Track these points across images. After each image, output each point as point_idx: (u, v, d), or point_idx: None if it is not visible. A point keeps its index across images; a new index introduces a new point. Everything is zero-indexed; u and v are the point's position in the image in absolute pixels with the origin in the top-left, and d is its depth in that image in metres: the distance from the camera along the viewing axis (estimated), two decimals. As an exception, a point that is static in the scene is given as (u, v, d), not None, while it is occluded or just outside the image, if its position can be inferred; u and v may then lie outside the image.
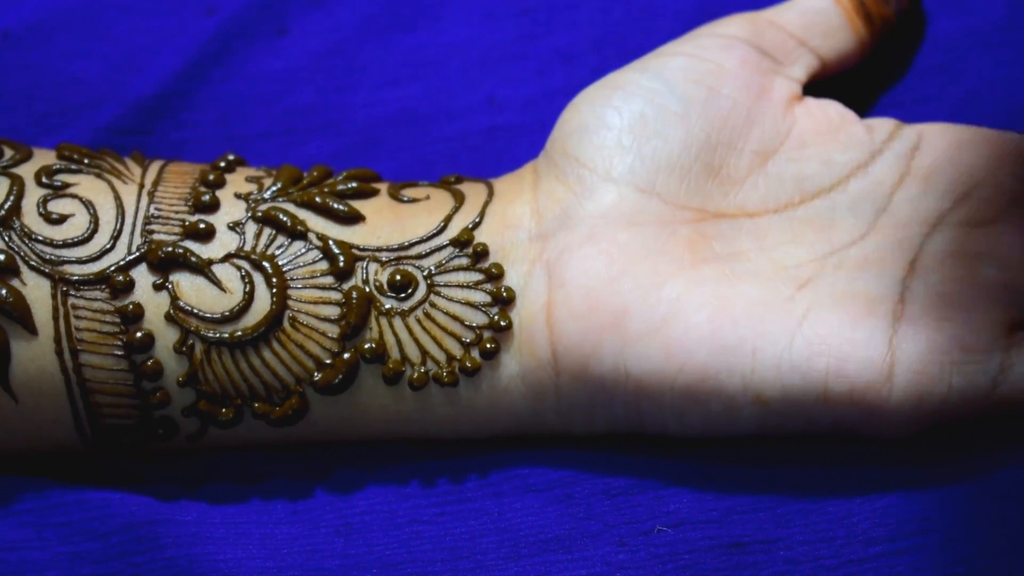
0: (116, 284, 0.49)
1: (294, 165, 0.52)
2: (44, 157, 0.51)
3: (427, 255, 0.50)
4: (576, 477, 0.50)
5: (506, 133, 0.59)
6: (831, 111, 0.52)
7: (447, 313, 0.49)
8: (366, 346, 0.49)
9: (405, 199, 0.51)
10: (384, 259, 0.50)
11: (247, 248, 0.50)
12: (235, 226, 0.50)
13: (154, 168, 0.52)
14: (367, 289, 0.49)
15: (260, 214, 0.50)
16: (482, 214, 0.50)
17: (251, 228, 0.50)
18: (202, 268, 0.49)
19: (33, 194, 0.50)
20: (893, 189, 0.50)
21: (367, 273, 0.50)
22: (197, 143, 0.60)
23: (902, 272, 0.48)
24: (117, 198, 0.50)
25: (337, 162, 0.59)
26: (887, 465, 0.49)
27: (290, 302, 0.49)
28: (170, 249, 0.49)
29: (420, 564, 0.49)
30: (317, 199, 0.50)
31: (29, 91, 0.60)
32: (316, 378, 0.49)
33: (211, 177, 0.51)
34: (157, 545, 0.49)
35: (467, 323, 0.49)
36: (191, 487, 0.51)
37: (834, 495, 0.49)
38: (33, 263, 0.49)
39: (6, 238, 0.49)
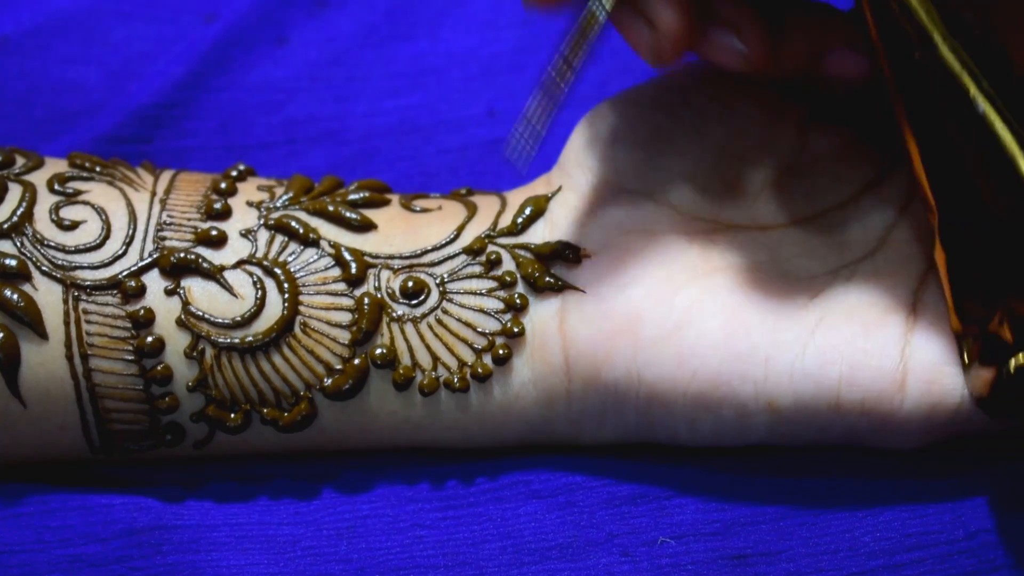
0: (128, 289, 0.49)
1: (304, 175, 0.53)
2: (56, 165, 0.52)
3: (440, 263, 0.50)
4: (580, 484, 0.50)
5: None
6: (844, 130, 0.52)
7: (459, 319, 0.50)
8: (377, 352, 0.49)
9: (417, 209, 0.52)
10: (396, 267, 0.50)
11: (259, 255, 0.50)
12: (247, 233, 0.50)
13: (166, 177, 0.52)
14: (379, 295, 0.50)
15: (272, 222, 0.51)
16: (495, 224, 0.51)
17: (263, 235, 0.50)
18: (214, 274, 0.50)
19: (45, 201, 0.50)
20: (903, 206, 0.51)
21: (379, 280, 0.50)
22: (197, 152, 0.60)
23: (914, 284, 0.49)
24: (129, 205, 0.51)
25: (337, 172, 0.60)
26: (889, 479, 0.50)
27: (302, 308, 0.50)
28: (182, 255, 0.50)
29: (422, 570, 0.49)
30: (329, 208, 0.51)
31: (27, 97, 0.60)
32: (326, 383, 0.49)
33: (223, 185, 0.51)
34: (159, 551, 0.49)
35: (479, 329, 0.50)
36: (196, 486, 0.51)
37: (837, 508, 0.49)
38: (45, 268, 0.49)
39: (18, 243, 0.49)
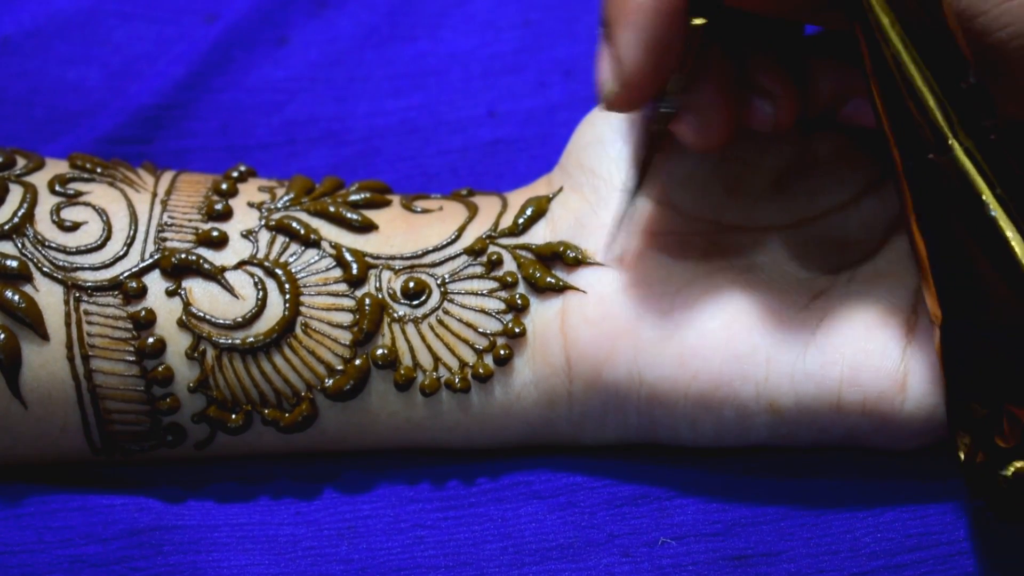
0: (129, 290, 0.49)
1: (305, 176, 0.53)
2: (57, 166, 0.52)
3: (441, 263, 0.50)
4: (581, 485, 0.50)
5: (507, 146, 0.60)
6: (844, 135, 0.52)
7: (461, 320, 0.50)
8: (378, 352, 0.49)
9: (418, 210, 0.52)
10: (398, 267, 0.50)
11: (260, 256, 0.50)
12: (248, 234, 0.50)
13: (166, 178, 0.52)
14: (380, 296, 0.50)
15: (273, 223, 0.51)
16: (496, 224, 0.51)
17: (264, 236, 0.50)
18: (215, 275, 0.50)
19: (46, 202, 0.50)
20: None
21: (380, 281, 0.50)
22: (198, 152, 0.60)
23: (915, 284, 0.49)
24: (130, 206, 0.51)
25: (338, 173, 0.60)
26: (890, 479, 0.50)
27: (303, 308, 0.50)
28: (183, 256, 0.50)
29: (423, 570, 0.49)
30: (330, 208, 0.51)
31: (28, 98, 0.60)
32: (327, 384, 0.49)
33: (224, 187, 0.51)
34: (160, 551, 0.49)
35: (481, 330, 0.50)
36: (197, 487, 0.51)
37: (837, 508, 0.49)
38: (46, 269, 0.49)
39: (19, 245, 0.49)
